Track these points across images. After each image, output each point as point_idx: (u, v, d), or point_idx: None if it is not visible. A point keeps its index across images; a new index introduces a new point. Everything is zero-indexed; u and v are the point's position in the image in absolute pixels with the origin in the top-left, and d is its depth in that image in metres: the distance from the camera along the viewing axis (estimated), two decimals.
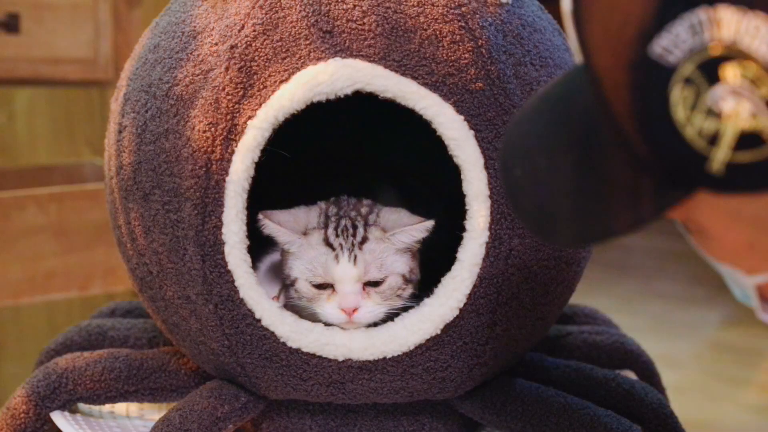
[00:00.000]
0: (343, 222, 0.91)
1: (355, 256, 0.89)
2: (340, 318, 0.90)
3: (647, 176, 0.54)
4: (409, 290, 0.93)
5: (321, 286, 0.90)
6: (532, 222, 0.64)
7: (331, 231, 0.91)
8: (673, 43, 0.51)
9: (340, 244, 0.89)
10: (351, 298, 0.89)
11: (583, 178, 0.59)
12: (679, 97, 0.51)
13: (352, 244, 0.89)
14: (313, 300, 0.91)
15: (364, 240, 0.90)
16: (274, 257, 1.02)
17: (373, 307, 0.90)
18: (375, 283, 0.90)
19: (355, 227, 0.91)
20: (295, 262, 0.92)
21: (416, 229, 0.91)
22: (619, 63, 0.52)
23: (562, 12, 0.60)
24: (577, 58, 0.58)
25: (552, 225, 0.62)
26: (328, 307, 0.90)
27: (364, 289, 0.90)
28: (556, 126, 0.61)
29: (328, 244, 0.90)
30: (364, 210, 0.93)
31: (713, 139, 0.51)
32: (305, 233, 0.92)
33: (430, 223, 0.91)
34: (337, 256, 0.89)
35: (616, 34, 0.52)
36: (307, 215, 0.93)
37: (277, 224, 0.91)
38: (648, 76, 0.51)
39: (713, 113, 0.50)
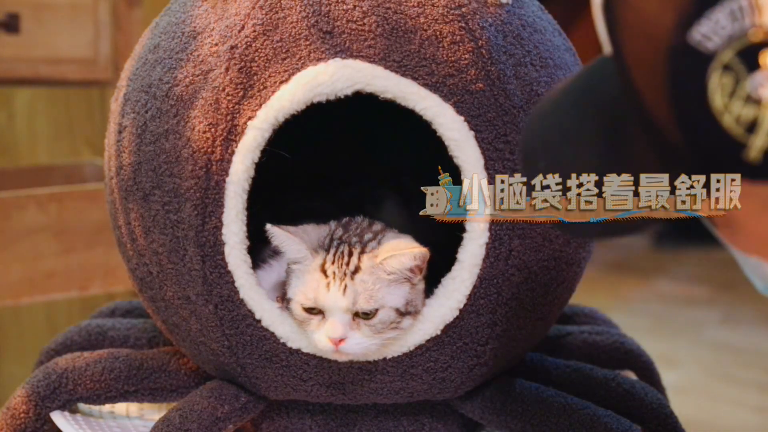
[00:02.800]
0: (341, 248, 0.89)
1: (345, 286, 0.86)
2: (327, 347, 0.88)
3: (678, 166, 0.54)
4: (407, 321, 0.90)
5: (312, 311, 0.88)
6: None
7: (329, 257, 0.88)
8: (713, 29, 0.50)
9: (333, 272, 0.87)
10: (339, 328, 0.86)
11: (609, 170, 0.58)
12: (717, 84, 0.50)
13: (344, 274, 0.87)
14: (304, 324, 0.89)
15: (357, 270, 0.87)
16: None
17: (361, 339, 0.87)
18: (366, 315, 0.87)
19: (350, 255, 0.88)
20: (293, 282, 0.90)
21: (406, 255, 0.87)
22: (656, 51, 0.52)
23: (591, 6, 0.59)
24: (606, 48, 0.58)
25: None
26: (317, 334, 0.88)
27: (354, 320, 0.87)
28: (580, 118, 0.61)
29: (323, 270, 0.88)
30: (367, 236, 0.90)
31: (751, 127, 0.50)
32: (315, 250, 0.89)
33: (419, 252, 0.88)
34: (328, 284, 0.87)
35: (654, 21, 0.52)
36: (317, 233, 0.91)
37: (289, 233, 0.88)
38: (686, 63, 0.51)
39: (752, 100, 0.50)
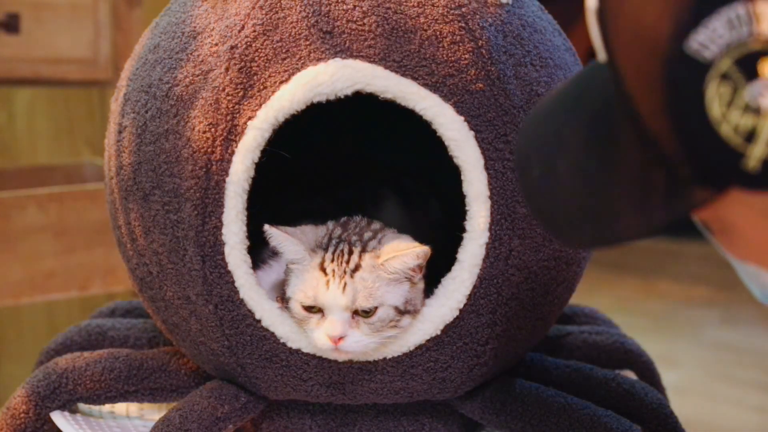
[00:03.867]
0: (340, 247, 0.89)
1: (345, 284, 0.87)
2: (326, 345, 0.88)
3: (675, 175, 0.53)
4: (406, 320, 0.90)
5: (311, 309, 0.88)
6: (551, 223, 0.63)
7: (328, 255, 0.88)
8: (710, 38, 0.50)
9: (333, 270, 0.87)
10: (338, 326, 0.86)
11: (605, 178, 0.57)
12: (715, 93, 0.50)
13: (344, 272, 0.87)
14: (304, 322, 0.89)
15: (357, 268, 0.87)
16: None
17: (360, 337, 0.87)
18: (365, 314, 0.87)
19: (350, 253, 0.88)
20: (292, 281, 0.90)
21: (408, 255, 0.87)
22: (652, 60, 0.51)
23: (586, 9, 0.59)
24: (600, 55, 0.57)
25: (572, 226, 0.61)
26: (316, 332, 0.88)
27: (353, 318, 0.87)
28: (575, 126, 0.60)
29: (323, 268, 0.88)
30: (367, 235, 0.91)
31: (750, 136, 0.50)
32: (314, 250, 0.89)
33: (422, 250, 0.88)
34: (328, 282, 0.87)
35: (650, 29, 0.51)
36: (315, 233, 0.91)
37: (286, 234, 0.89)
38: (682, 72, 0.50)
39: (751, 109, 0.49)
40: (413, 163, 1.19)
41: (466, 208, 0.90)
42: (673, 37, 0.50)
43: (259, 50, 0.89)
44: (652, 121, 0.52)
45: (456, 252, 0.91)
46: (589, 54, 0.67)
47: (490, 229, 0.90)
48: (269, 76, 0.89)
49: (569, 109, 0.62)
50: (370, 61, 0.88)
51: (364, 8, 0.89)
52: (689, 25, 0.50)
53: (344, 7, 0.89)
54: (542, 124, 0.63)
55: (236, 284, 0.91)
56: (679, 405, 1.13)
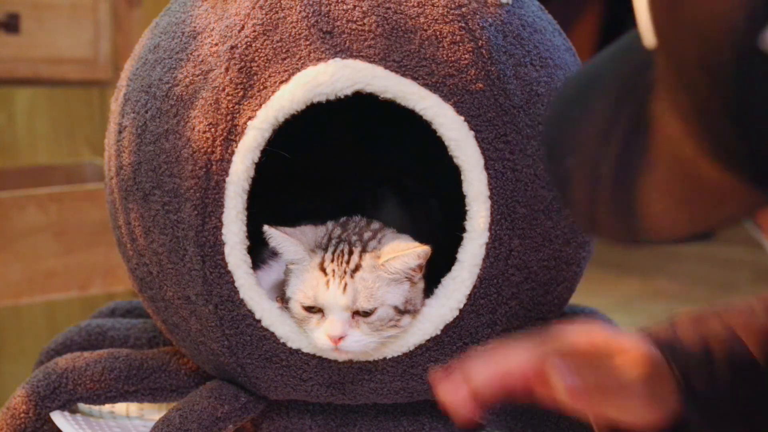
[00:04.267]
0: (340, 247, 0.89)
1: (345, 284, 0.87)
2: (326, 345, 0.88)
3: (734, 173, 0.49)
4: (406, 320, 0.90)
5: (311, 309, 0.88)
6: (585, 216, 0.60)
7: (328, 255, 0.88)
8: None
9: (333, 270, 0.87)
10: (338, 326, 0.87)
11: (653, 174, 0.54)
12: None
13: (344, 272, 0.87)
14: (303, 322, 0.89)
15: (357, 268, 0.88)
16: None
17: (360, 337, 0.88)
18: (365, 313, 0.87)
19: (350, 253, 0.88)
20: (292, 281, 0.90)
21: (409, 255, 0.88)
22: (718, 53, 0.47)
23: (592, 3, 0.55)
24: (647, 41, 0.53)
25: (606, 219, 0.57)
26: (316, 332, 0.88)
27: (353, 318, 0.88)
28: (616, 114, 0.56)
29: (322, 268, 0.88)
30: (366, 235, 0.91)
31: None
32: (313, 250, 0.90)
33: (422, 250, 0.88)
34: (328, 282, 0.87)
35: (720, 20, 0.47)
36: (314, 233, 0.92)
37: (286, 234, 0.89)
38: (752, 68, 0.46)
39: None
40: (413, 163, 1.19)
41: (466, 208, 0.90)
42: (746, 30, 0.46)
43: (259, 50, 0.89)
44: (709, 118, 0.49)
45: (456, 252, 0.91)
46: (591, 54, 0.65)
47: (490, 229, 0.90)
48: (269, 76, 0.89)
49: (608, 94, 0.58)
50: (370, 61, 0.88)
51: (364, 8, 0.89)
52: (764, 17, 0.46)
53: (344, 7, 0.89)
54: (576, 111, 0.60)
55: (236, 284, 0.91)
56: None
